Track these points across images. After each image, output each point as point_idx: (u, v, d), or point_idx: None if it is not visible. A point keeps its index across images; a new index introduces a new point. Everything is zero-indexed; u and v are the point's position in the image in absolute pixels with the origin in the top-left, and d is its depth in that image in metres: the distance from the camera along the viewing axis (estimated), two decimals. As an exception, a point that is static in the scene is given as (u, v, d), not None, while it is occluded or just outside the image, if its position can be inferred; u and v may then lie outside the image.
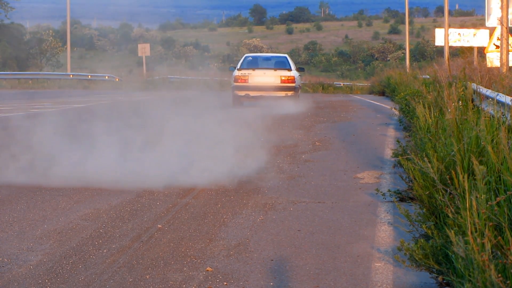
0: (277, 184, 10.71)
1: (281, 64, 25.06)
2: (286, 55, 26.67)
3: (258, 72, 24.28)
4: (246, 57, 25.95)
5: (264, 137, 15.91)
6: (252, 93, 24.20)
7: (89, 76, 51.37)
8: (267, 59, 26.42)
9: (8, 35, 57.42)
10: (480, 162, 7.20)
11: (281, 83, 24.17)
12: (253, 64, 25.12)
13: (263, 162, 12.56)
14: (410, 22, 75.00)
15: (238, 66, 24.83)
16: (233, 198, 9.60)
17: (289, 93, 24.30)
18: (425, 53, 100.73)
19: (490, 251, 5.06)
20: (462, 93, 10.30)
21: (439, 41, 35.81)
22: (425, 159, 7.63)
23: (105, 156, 11.69)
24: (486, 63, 23.49)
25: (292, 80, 24.31)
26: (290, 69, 24.77)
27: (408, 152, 10.37)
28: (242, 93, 24.35)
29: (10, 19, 59.52)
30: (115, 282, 6.18)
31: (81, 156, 11.76)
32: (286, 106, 23.65)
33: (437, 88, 14.33)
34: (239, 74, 24.37)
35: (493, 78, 16.05)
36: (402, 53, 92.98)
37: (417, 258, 6.10)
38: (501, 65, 20.44)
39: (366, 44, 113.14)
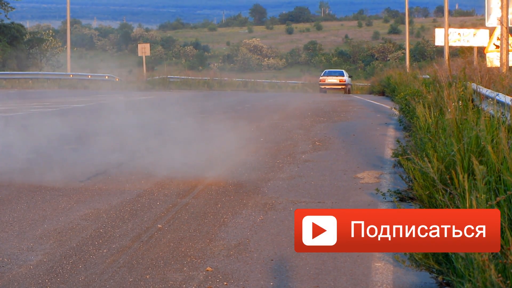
0: (277, 184, 10.71)
1: (340, 74, 49.22)
2: (343, 70, 52.55)
3: (329, 77, 48.36)
4: (325, 71, 50.85)
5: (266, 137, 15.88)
6: (327, 87, 47.63)
7: (89, 76, 51.36)
8: (334, 71, 50.61)
9: (8, 35, 57.39)
10: (480, 162, 7.20)
11: (339, 82, 48.06)
12: (328, 74, 49.29)
13: (261, 160, 12.56)
14: (410, 22, 74.99)
15: (321, 75, 49.60)
16: (233, 198, 9.60)
17: (343, 87, 47.67)
18: (425, 53, 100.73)
19: (490, 251, 5.06)
20: (462, 93, 10.31)
21: (439, 41, 35.82)
22: (425, 159, 7.63)
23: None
24: (486, 63, 23.49)
25: (344, 81, 48.15)
26: (343, 76, 48.75)
27: (408, 152, 10.37)
28: (323, 87, 47.82)
29: (10, 19, 59.47)
30: (115, 282, 6.18)
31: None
32: (340, 93, 46.15)
33: (437, 88, 14.33)
34: (322, 78, 48.75)
35: (493, 78, 16.05)
36: (402, 53, 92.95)
37: (417, 258, 6.10)
38: (501, 65, 20.44)
39: (366, 44, 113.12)
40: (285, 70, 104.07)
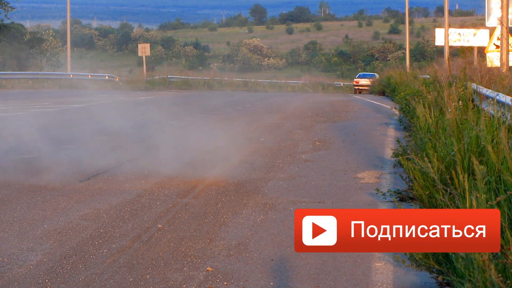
0: (277, 184, 10.70)
1: (372, 76, 54.05)
2: (375, 73, 57.45)
3: (363, 79, 53.57)
4: (359, 74, 57.79)
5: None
6: (360, 87, 52.51)
7: (89, 76, 51.37)
8: (368, 74, 57.23)
9: (8, 35, 57.38)
10: (480, 162, 7.20)
11: (370, 83, 50.83)
12: (362, 76, 55.39)
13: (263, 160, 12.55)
14: (410, 22, 75.00)
15: (356, 77, 55.33)
16: (233, 198, 9.60)
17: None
18: (425, 53, 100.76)
19: (490, 251, 5.05)
20: (462, 93, 10.30)
21: (439, 41, 35.84)
22: (425, 159, 7.63)
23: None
24: (486, 63, 23.49)
25: None
26: (375, 78, 51.76)
27: (408, 152, 10.37)
28: (357, 87, 52.96)
29: (10, 19, 59.47)
30: (115, 282, 6.18)
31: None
32: (368, 94, 48.67)
33: (437, 88, 14.33)
34: (356, 80, 54.31)
35: (493, 78, 16.05)
36: (402, 53, 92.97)
37: (417, 258, 6.10)
38: (501, 65, 20.45)
39: (366, 44, 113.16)
40: (285, 70, 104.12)
